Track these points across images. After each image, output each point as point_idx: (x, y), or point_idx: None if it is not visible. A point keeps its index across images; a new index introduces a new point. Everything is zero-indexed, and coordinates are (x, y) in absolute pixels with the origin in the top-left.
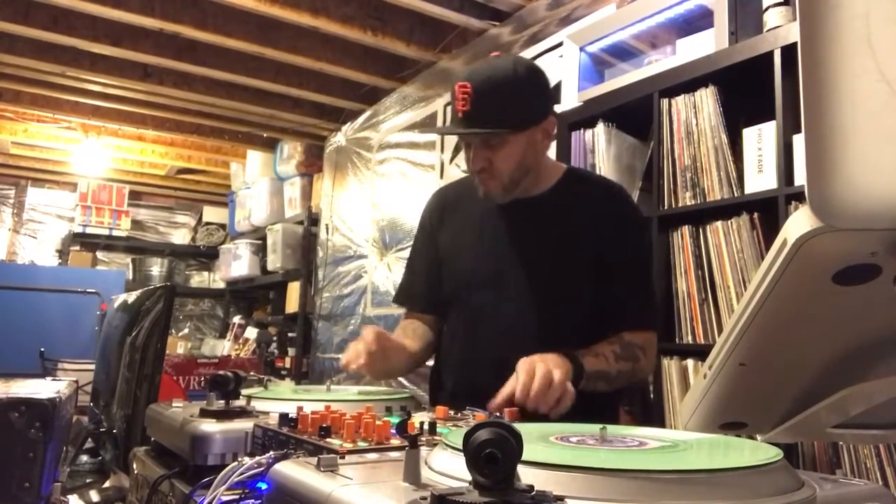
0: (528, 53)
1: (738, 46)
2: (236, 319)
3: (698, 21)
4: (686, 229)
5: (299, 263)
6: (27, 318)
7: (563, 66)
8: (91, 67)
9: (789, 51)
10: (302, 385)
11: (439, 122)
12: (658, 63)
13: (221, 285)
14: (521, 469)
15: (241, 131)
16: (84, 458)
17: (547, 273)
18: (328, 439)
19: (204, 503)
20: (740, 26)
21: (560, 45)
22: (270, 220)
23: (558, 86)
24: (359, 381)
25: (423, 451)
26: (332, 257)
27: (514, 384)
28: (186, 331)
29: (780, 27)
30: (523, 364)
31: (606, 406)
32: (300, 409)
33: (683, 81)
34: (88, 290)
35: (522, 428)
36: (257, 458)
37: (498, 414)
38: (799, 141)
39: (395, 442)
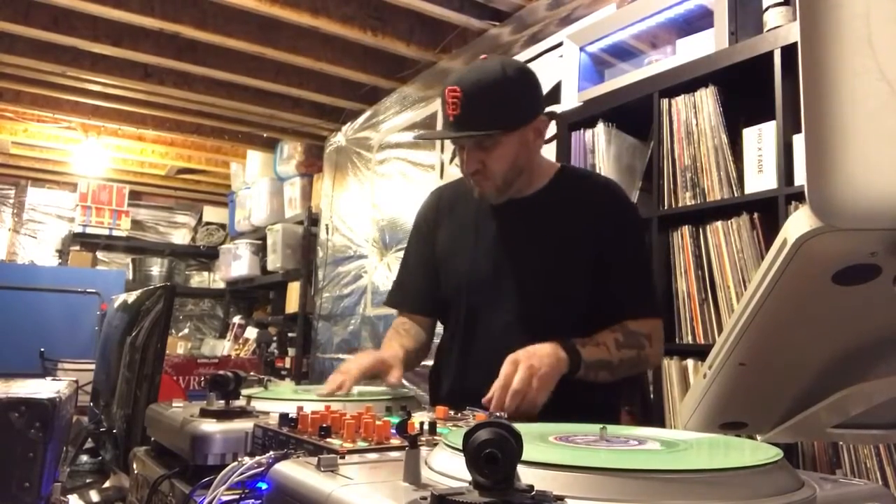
0: (528, 53)
1: (738, 46)
2: (236, 319)
3: (698, 21)
4: (686, 229)
5: (299, 263)
6: (27, 318)
7: (563, 66)
8: (91, 67)
9: (789, 51)
10: (302, 385)
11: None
12: (658, 63)
13: (221, 285)
14: (521, 469)
15: (241, 131)
16: (84, 458)
17: (543, 273)
18: (328, 439)
19: (204, 503)
20: (740, 26)
21: (560, 45)
22: (270, 220)
23: (558, 86)
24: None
25: (423, 451)
26: (332, 257)
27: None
28: (186, 331)
29: (780, 27)
30: (505, 366)
31: (607, 406)
32: (300, 409)
33: (683, 81)
34: (88, 290)
35: (522, 428)
36: (257, 458)
37: (498, 414)
38: (799, 141)
39: (395, 442)
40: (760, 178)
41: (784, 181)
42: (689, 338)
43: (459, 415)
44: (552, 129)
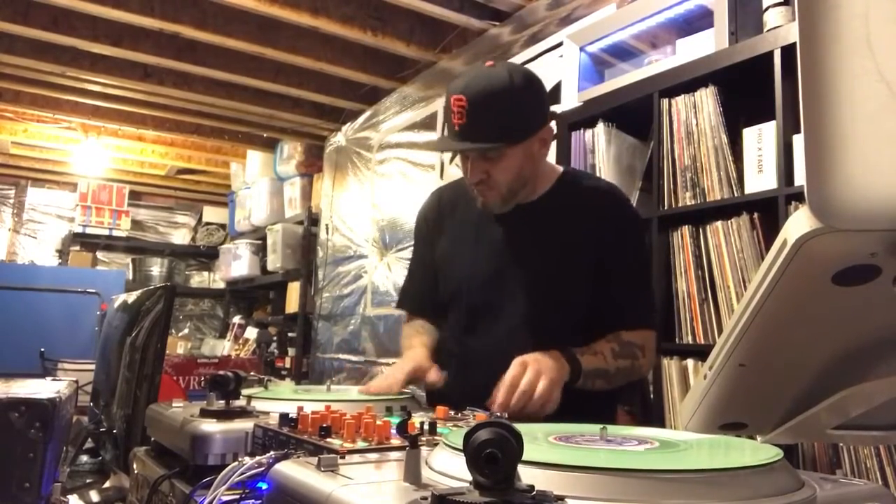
0: (527, 53)
1: (738, 46)
2: (236, 319)
3: (698, 21)
4: (686, 229)
5: (299, 263)
6: (27, 318)
7: (563, 66)
8: (91, 67)
9: (789, 51)
10: (302, 385)
11: (439, 123)
12: (658, 63)
13: (221, 285)
14: (521, 469)
15: (241, 131)
16: (84, 458)
17: (545, 277)
18: (328, 439)
19: (204, 503)
20: (740, 26)
21: (560, 45)
22: (270, 220)
23: (558, 86)
24: (358, 382)
25: (424, 451)
26: (332, 257)
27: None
28: (186, 331)
29: (780, 27)
30: (512, 368)
31: (604, 405)
32: (300, 409)
33: (683, 81)
34: (88, 290)
35: (523, 428)
36: (257, 458)
37: (499, 414)
38: (799, 141)
39: (396, 442)
40: (760, 178)
41: (784, 181)
42: (689, 338)
43: (459, 415)
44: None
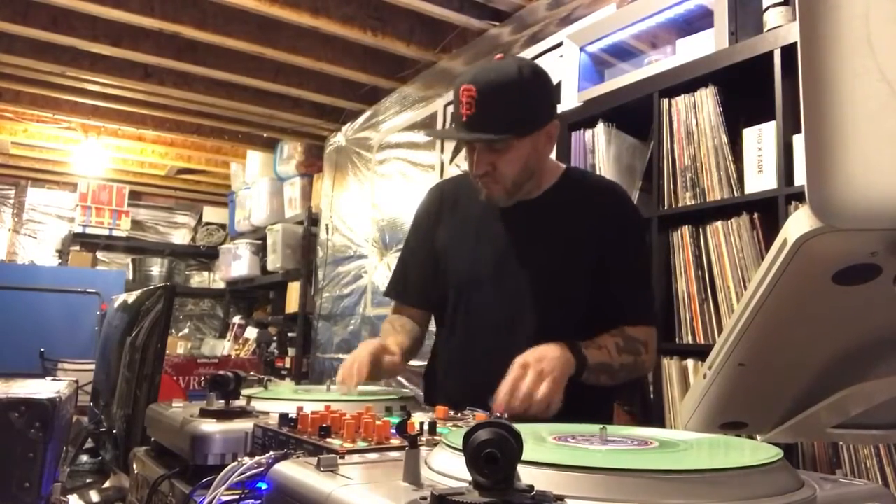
0: (527, 53)
1: (738, 46)
2: (236, 319)
3: (698, 21)
4: (686, 229)
5: (299, 263)
6: (27, 318)
7: (563, 66)
8: (91, 67)
9: (789, 51)
10: (302, 385)
11: (439, 123)
12: (658, 63)
13: (221, 285)
14: (521, 469)
15: (241, 131)
16: (84, 458)
17: (546, 273)
18: (328, 439)
19: (204, 503)
20: (740, 26)
21: (560, 45)
22: (270, 220)
23: (558, 86)
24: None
25: (423, 451)
26: (332, 257)
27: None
28: (186, 331)
29: (780, 27)
30: (513, 370)
31: (601, 404)
32: (300, 409)
33: (683, 81)
34: (88, 290)
35: (522, 428)
36: (257, 458)
37: (499, 414)
38: (799, 141)
39: (395, 442)
40: (760, 178)
41: (784, 181)
42: (689, 338)
43: (459, 415)
44: None
